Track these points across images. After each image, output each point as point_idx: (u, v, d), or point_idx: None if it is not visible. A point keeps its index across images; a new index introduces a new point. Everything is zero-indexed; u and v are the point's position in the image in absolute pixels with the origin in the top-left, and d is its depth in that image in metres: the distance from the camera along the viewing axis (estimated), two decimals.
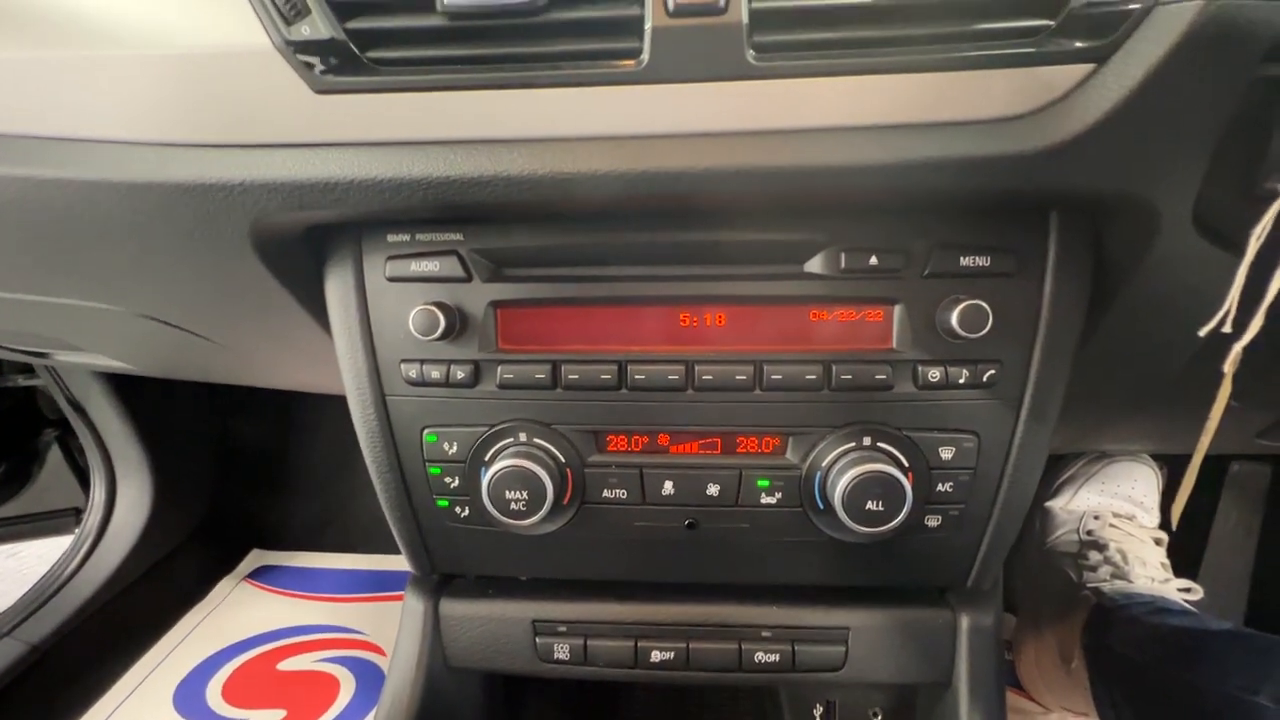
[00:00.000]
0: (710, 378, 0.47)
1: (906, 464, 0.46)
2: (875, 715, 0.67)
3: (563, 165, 0.39)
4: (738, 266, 0.46)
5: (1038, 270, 0.44)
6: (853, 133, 0.38)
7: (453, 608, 0.62)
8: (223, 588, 1.35)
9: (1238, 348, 0.36)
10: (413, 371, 0.49)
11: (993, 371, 0.45)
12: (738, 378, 0.46)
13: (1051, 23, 0.36)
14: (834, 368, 0.45)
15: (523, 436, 0.50)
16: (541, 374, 0.48)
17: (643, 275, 0.47)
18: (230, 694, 1.10)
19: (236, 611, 1.29)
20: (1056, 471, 1.12)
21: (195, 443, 1.32)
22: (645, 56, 0.37)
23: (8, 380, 1.19)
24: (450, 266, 0.47)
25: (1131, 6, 0.35)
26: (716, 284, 0.47)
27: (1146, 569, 0.95)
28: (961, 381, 0.45)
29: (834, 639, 0.57)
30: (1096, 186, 0.39)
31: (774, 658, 0.57)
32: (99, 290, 0.54)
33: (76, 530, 1.21)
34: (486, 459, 0.49)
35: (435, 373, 0.48)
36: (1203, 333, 0.37)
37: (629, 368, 0.47)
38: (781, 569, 0.55)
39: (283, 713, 1.07)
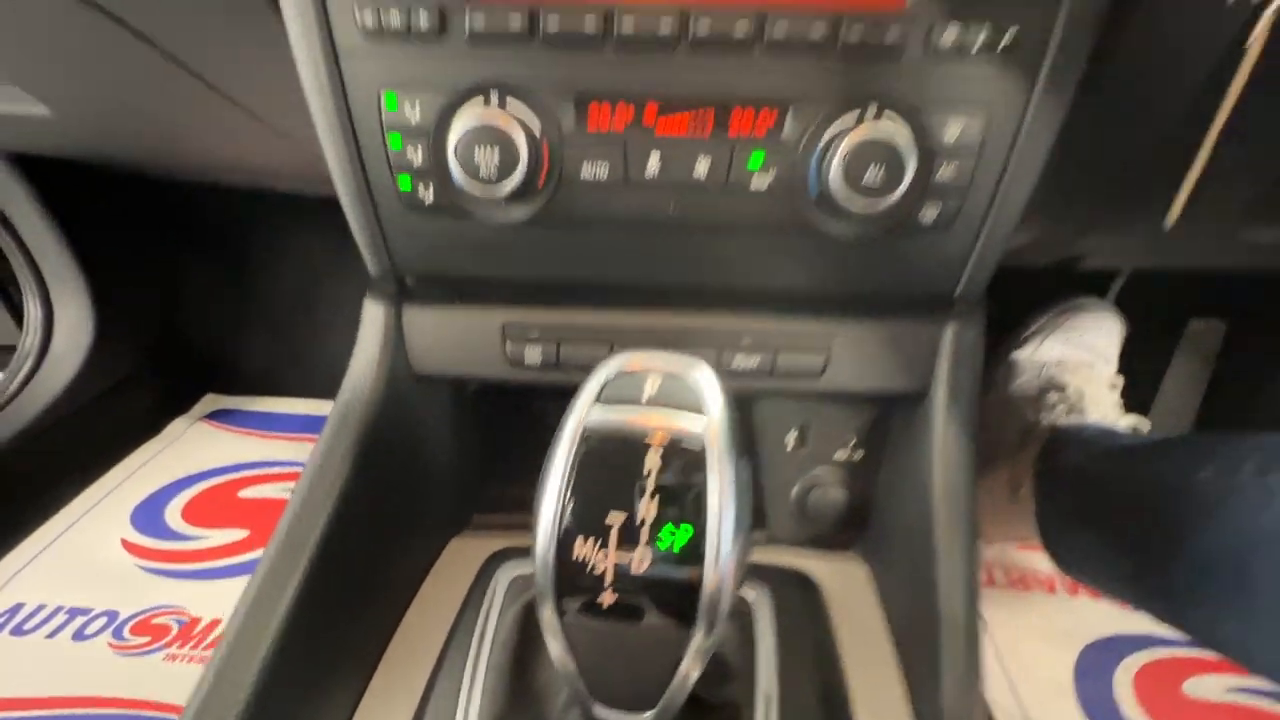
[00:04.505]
0: (706, 29, 0.43)
1: (912, 138, 0.44)
2: (850, 441, 0.68)
3: None
4: None
5: None
6: None
7: (417, 314, 0.59)
8: (178, 426, 1.32)
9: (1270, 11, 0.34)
10: (369, 17, 0.43)
11: (1016, 29, 0.42)
12: (737, 29, 0.43)
13: None
14: (842, 23, 0.42)
15: (495, 100, 0.46)
16: (517, 22, 0.43)
17: None
18: (190, 516, 1.09)
19: (194, 447, 1.27)
20: (1024, 325, 1.14)
21: (138, 269, 1.24)
22: None
23: None
24: None
25: None
26: None
27: (1101, 407, 0.98)
28: (979, 43, 0.42)
29: (816, 347, 0.57)
30: None
31: (753, 362, 0.57)
32: None
33: (14, 356, 1.15)
34: (454, 123, 0.46)
35: (395, 17, 0.43)
36: None
37: (617, 16, 0.43)
38: (767, 270, 0.54)
39: (245, 532, 1.06)
